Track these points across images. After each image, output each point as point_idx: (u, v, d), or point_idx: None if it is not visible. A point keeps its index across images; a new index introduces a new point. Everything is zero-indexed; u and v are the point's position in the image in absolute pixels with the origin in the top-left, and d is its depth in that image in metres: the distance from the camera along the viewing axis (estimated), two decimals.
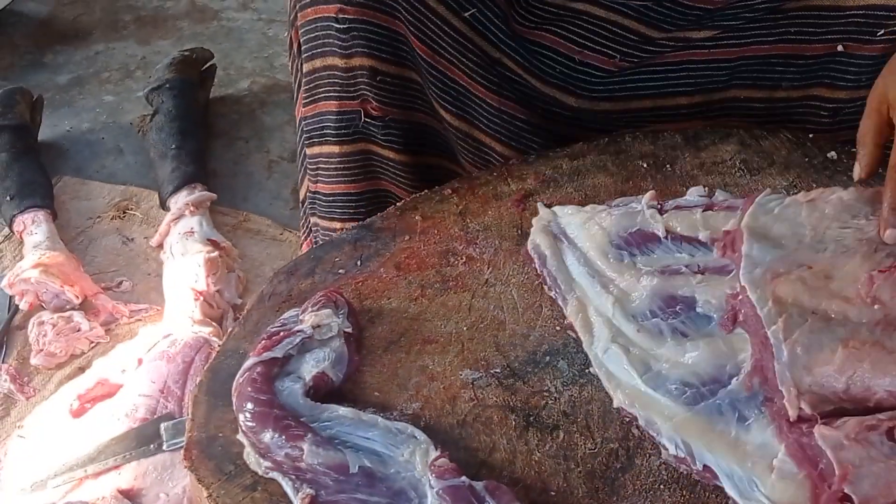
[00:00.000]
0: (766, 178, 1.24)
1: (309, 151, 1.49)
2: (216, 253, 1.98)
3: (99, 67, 2.74)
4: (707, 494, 0.92)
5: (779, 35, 1.37)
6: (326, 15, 1.34)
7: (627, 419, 0.99)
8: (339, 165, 1.46)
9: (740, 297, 1.02)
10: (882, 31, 1.33)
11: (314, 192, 1.51)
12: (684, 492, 0.93)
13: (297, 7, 1.38)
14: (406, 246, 1.22)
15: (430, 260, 1.20)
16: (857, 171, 1.13)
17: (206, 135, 2.41)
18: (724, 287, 1.05)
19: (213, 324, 1.87)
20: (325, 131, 1.45)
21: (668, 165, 1.29)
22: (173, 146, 2.25)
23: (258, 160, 2.39)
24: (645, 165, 1.29)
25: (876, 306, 0.96)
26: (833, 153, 1.26)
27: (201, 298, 1.90)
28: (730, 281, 1.05)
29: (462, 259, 1.20)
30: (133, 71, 2.72)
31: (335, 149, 1.45)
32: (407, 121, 1.43)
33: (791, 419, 0.90)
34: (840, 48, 1.30)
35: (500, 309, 1.13)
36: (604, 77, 1.38)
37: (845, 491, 0.83)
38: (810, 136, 1.29)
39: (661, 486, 0.93)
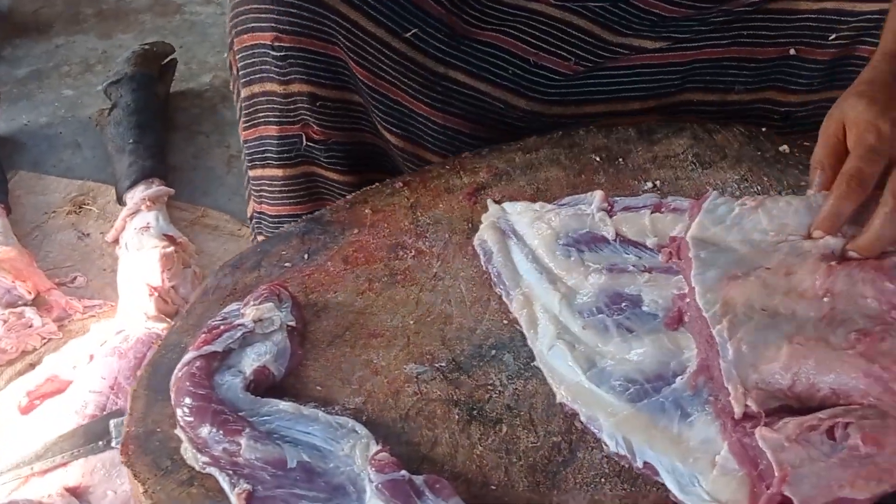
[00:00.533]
0: (718, 172, 1.23)
1: (252, 174, 1.47)
2: (172, 248, 1.96)
3: (59, 61, 2.71)
4: (648, 488, 0.91)
5: (732, 39, 1.37)
6: (262, 42, 1.32)
7: (570, 413, 0.98)
8: (282, 188, 1.45)
9: (687, 299, 1.01)
10: (833, 36, 1.33)
11: (260, 213, 1.50)
12: (625, 485, 0.91)
13: (234, 33, 1.36)
14: (355, 239, 1.20)
15: (379, 253, 1.18)
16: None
17: (165, 129, 2.38)
18: (671, 287, 1.05)
19: (168, 320, 1.84)
20: (266, 155, 1.43)
21: (620, 159, 1.28)
22: (131, 140, 2.22)
23: (218, 155, 2.36)
24: (598, 159, 1.28)
25: (825, 298, 0.96)
26: (785, 147, 1.25)
27: (156, 294, 1.87)
28: (676, 282, 1.05)
29: (411, 252, 1.18)
30: (93, 65, 2.69)
31: (278, 172, 1.44)
32: (350, 142, 1.42)
33: (736, 417, 0.89)
34: (792, 52, 1.30)
35: (447, 303, 1.11)
36: (558, 80, 1.37)
37: (784, 493, 0.82)
38: (763, 129, 1.28)
39: (603, 480, 0.92)
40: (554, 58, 1.36)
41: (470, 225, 1.21)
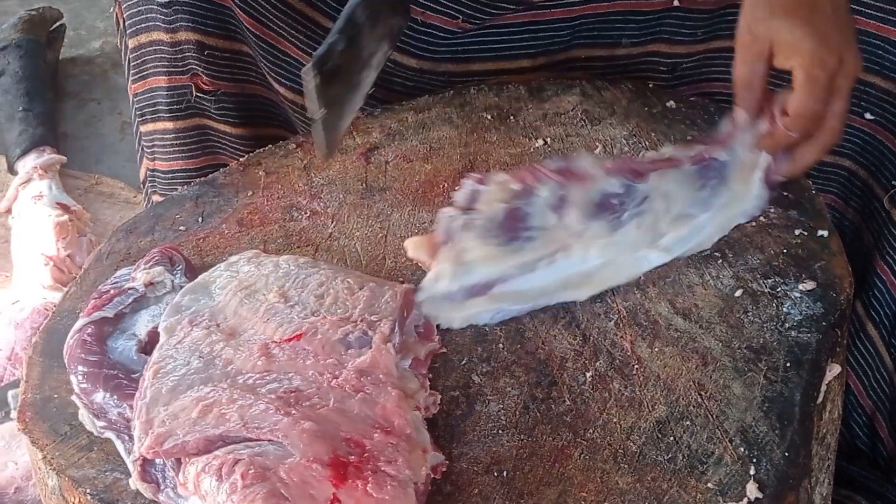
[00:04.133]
0: (607, 128, 1.26)
1: (143, 129, 1.45)
2: (66, 217, 1.93)
3: None
4: (544, 438, 0.93)
5: None
6: None
7: (467, 368, 1.00)
8: (174, 142, 1.44)
9: None
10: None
11: (153, 170, 1.48)
12: (522, 436, 0.93)
13: None
14: (249, 202, 1.20)
15: (274, 215, 1.19)
16: (741, 118, 1.13)
17: (55, 97, 2.34)
18: None
19: (65, 289, 1.82)
20: (157, 108, 1.42)
21: (511, 117, 1.29)
22: (20, 108, 2.19)
23: (111, 122, 2.33)
24: (489, 117, 1.29)
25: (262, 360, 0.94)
26: (672, 102, 1.28)
27: (51, 263, 1.85)
28: None
29: (306, 214, 1.19)
30: None
31: (169, 125, 1.43)
32: (241, 94, 1.41)
33: (139, 454, 0.88)
34: (676, 3, 1.33)
35: (343, 262, 1.12)
36: (447, 38, 1.38)
37: None
38: (650, 85, 1.31)
39: (500, 431, 0.94)
40: (441, 16, 1.37)
41: (364, 185, 1.22)
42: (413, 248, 1.12)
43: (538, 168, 1.10)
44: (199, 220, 1.18)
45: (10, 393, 1.55)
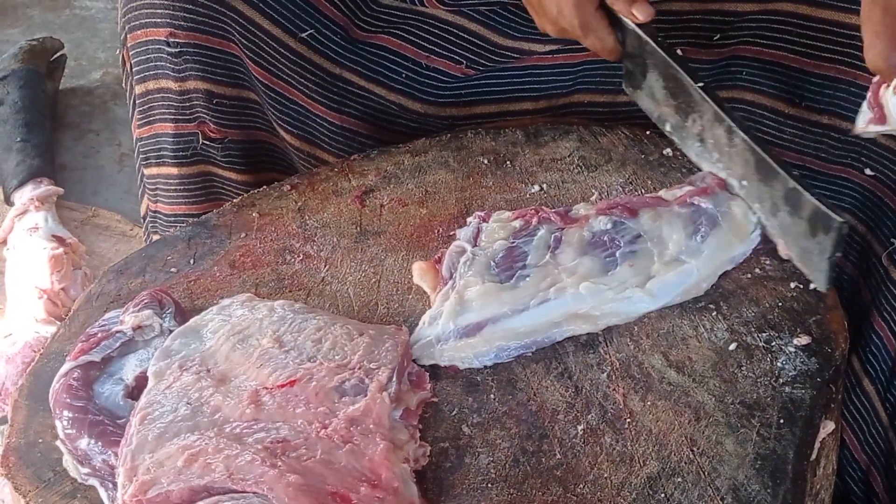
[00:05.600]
0: (604, 175, 1.25)
1: (146, 171, 1.46)
2: (61, 250, 1.93)
3: None
4: (534, 492, 0.92)
5: None
6: (157, 38, 1.31)
7: (457, 419, 0.99)
8: (178, 187, 1.44)
9: None
10: (718, 36, 1.36)
11: (154, 212, 1.48)
12: (512, 490, 0.92)
13: (127, 28, 1.34)
14: (242, 243, 1.20)
15: (266, 258, 1.18)
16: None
17: (54, 127, 2.33)
18: None
19: (58, 323, 1.80)
20: (162, 153, 1.42)
21: (508, 162, 1.29)
22: (18, 139, 2.18)
23: (109, 153, 2.33)
24: (486, 161, 1.29)
25: (250, 409, 0.93)
26: (668, 150, 1.27)
27: (45, 297, 1.84)
28: None
29: (299, 257, 1.18)
30: None
31: (174, 170, 1.43)
32: (247, 140, 1.41)
33: (123, 501, 0.87)
34: (679, 52, 1.33)
35: (335, 307, 1.11)
36: (451, 82, 1.38)
37: None
38: (647, 132, 1.30)
39: (490, 485, 0.93)
40: (446, 60, 1.37)
41: (358, 228, 1.21)
42: (418, 274, 1.13)
43: (541, 209, 1.14)
44: (191, 261, 1.18)
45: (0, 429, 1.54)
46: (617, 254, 1.10)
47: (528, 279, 1.08)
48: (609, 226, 1.11)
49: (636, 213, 1.13)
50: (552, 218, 1.13)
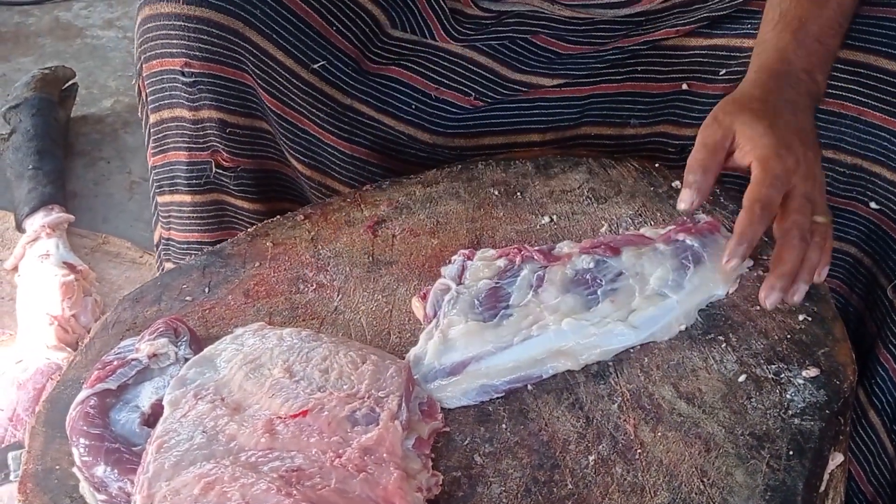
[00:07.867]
0: (613, 207, 1.26)
1: (160, 199, 1.47)
2: (72, 277, 1.94)
3: None
4: None
5: (626, 74, 1.41)
6: (172, 68, 1.33)
7: (470, 448, 0.99)
8: (192, 215, 1.45)
9: None
10: (724, 71, 1.37)
11: (168, 240, 1.50)
12: None
13: (143, 58, 1.36)
14: (256, 273, 1.21)
15: (280, 287, 1.19)
16: (689, 199, 1.10)
17: (65, 155, 2.36)
18: None
19: (68, 349, 1.82)
20: (175, 181, 1.43)
21: (518, 193, 1.30)
22: (30, 166, 2.20)
23: (119, 181, 2.35)
24: (496, 193, 1.30)
25: (265, 438, 0.94)
26: (678, 182, 1.28)
27: (56, 323, 1.85)
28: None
29: (312, 286, 1.19)
30: None
31: (187, 198, 1.44)
32: (259, 170, 1.43)
33: None
34: (685, 86, 1.35)
35: (348, 337, 1.12)
36: (459, 114, 1.40)
37: None
38: (656, 164, 1.32)
39: None
40: (454, 92, 1.39)
41: (371, 258, 1.22)
42: (417, 308, 1.14)
43: (525, 247, 1.14)
44: (206, 290, 1.19)
45: (11, 454, 1.55)
46: (598, 291, 1.10)
47: (511, 318, 1.09)
48: (592, 264, 1.12)
49: (619, 251, 1.14)
50: (535, 256, 1.14)
